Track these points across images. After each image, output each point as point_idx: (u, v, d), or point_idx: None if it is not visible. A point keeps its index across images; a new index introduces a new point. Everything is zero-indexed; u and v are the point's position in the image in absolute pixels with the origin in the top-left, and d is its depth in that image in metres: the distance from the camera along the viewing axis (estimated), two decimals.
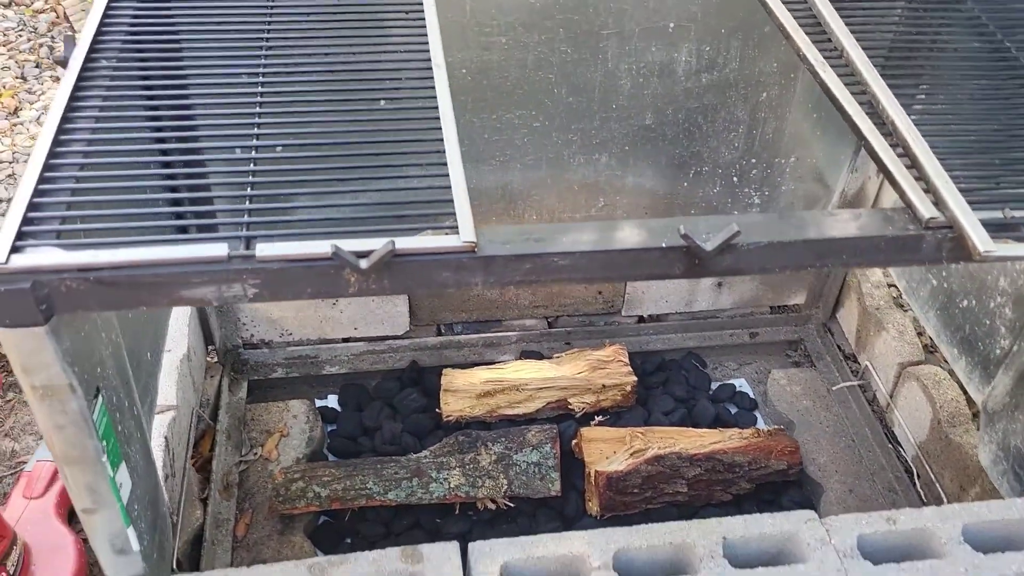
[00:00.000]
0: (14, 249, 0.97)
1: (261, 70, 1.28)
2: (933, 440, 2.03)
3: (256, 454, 2.13)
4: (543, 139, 2.06)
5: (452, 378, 2.21)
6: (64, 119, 1.14)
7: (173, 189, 1.16)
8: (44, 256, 0.98)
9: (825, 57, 1.36)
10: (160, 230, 1.05)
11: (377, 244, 1.00)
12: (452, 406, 2.18)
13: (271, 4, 1.40)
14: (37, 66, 3.48)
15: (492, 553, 1.38)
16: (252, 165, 1.12)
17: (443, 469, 2.02)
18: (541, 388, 2.20)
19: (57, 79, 3.41)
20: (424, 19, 1.39)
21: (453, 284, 1.06)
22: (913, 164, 1.16)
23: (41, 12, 3.76)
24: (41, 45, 3.58)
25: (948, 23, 1.46)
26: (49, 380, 1.04)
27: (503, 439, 2.08)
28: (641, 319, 2.49)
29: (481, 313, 2.42)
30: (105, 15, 1.35)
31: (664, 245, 1.06)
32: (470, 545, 1.39)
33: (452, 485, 2.00)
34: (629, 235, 1.07)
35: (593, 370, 2.24)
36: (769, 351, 2.49)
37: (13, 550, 1.80)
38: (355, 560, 1.36)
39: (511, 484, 2.02)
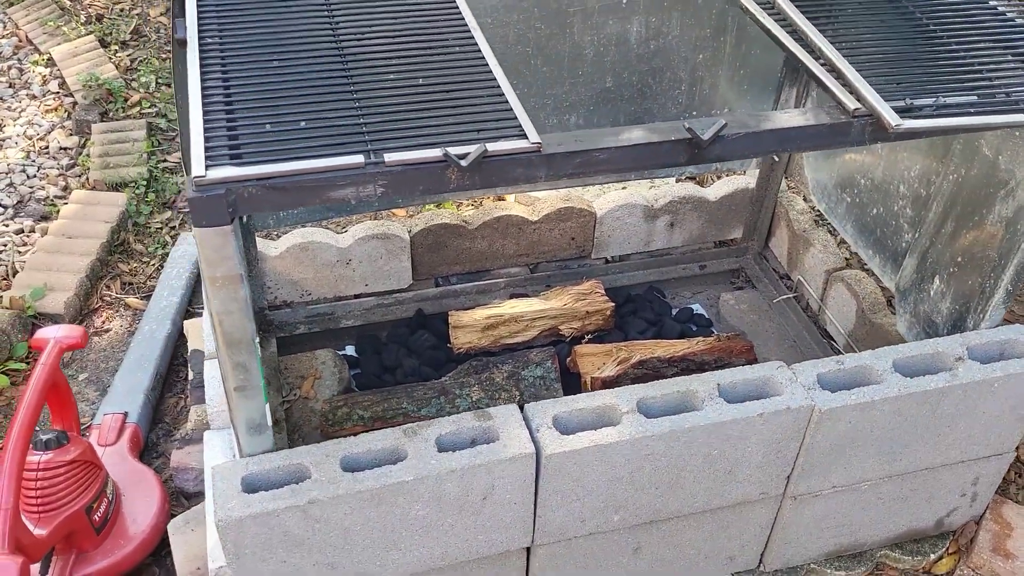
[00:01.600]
0: (207, 167, 1.30)
1: (335, 37, 1.62)
2: (859, 327, 2.49)
3: (296, 394, 2.44)
4: (523, 103, 2.44)
5: (459, 317, 2.56)
6: (203, 78, 1.47)
7: (298, 118, 1.49)
8: (229, 170, 1.31)
9: (763, 7, 1.78)
10: (299, 149, 1.38)
11: (471, 149, 1.37)
12: (461, 339, 2.53)
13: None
14: (11, 86, 3.68)
15: (544, 409, 1.76)
16: (357, 102, 1.47)
17: (465, 387, 2.37)
18: (535, 319, 2.58)
19: (33, 96, 3.62)
20: None
21: (524, 179, 1.43)
22: (838, 75, 1.59)
23: (3, 37, 3.95)
24: (9, 68, 3.78)
25: None
26: (228, 271, 1.37)
27: (511, 360, 2.44)
28: (607, 260, 2.90)
29: (473, 265, 2.78)
30: (199, 2, 1.68)
31: (674, 138, 1.45)
32: (526, 406, 1.76)
33: (474, 399, 2.36)
34: (647, 134, 1.47)
35: (576, 301, 2.63)
36: (716, 279, 2.93)
37: (108, 484, 2.07)
38: (439, 423, 1.71)
39: (522, 395, 2.39)
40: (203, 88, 1.45)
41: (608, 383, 2.39)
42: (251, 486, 1.60)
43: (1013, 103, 1.54)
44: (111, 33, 3.99)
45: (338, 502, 1.58)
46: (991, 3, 1.84)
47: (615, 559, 1.95)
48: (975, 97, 1.56)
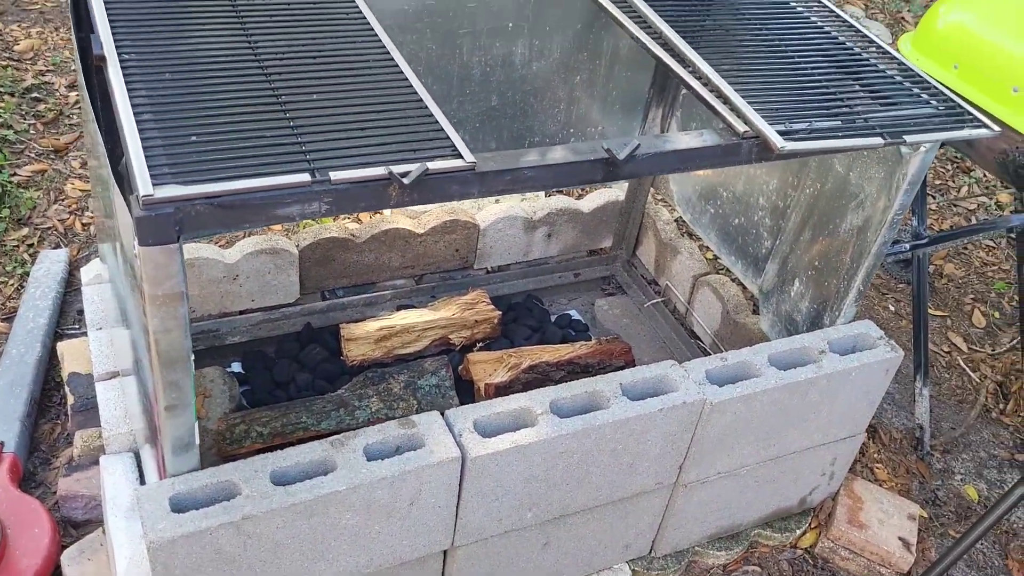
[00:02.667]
0: (154, 185, 1.30)
1: (256, 58, 1.64)
2: (725, 327, 2.72)
3: None
4: None
5: (351, 329, 2.59)
6: (131, 96, 1.46)
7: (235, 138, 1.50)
8: (177, 189, 1.31)
9: (652, 38, 1.95)
10: (242, 167, 1.40)
11: (409, 168, 1.44)
12: (355, 352, 2.56)
13: (236, 7, 1.76)
14: None
15: (464, 415, 1.84)
16: (291, 122, 1.50)
17: (363, 399, 2.40)
18: (426, 329, 2.64)
19: None
20: (366, 18, 1.82)
21: (458, 196, 1.51)
22: (726, 101, 1.78)
23: None
24: None
25: (721, 14, 2.11)
26: (171, 289, 1.37)
27: (406, 371, 2.50)
28: (488, 270, 3.00)
29: (360, 278, 2.81)
30: (110, 18, 1.64)
31: (593, 158, 1.58)
32: (447, 412, 1.84)
33: (373, 410, 2.39)
34: (571, 154, 1.58)
35: (464, 310, 2.72)
36: (589, 287, 3.10)
37: None
38: (365, 433, 1.76)
39: (419, 404, 2.45)
40: (133, 106, 1.44)
41: (501, 388, 2.49)
42: (179, 506, 1.58)
43: (871, 127, 1.77)
44: None
45: (272, 516, 1.59)
46: (832, 33, 2.09)
47: (526, 555, 2.05)
48: (839, 122, 1.78)
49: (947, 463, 2.78)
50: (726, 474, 2.18)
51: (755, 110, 1.74)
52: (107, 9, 1.66)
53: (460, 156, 1.49)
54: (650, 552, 2.31)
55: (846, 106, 1.84)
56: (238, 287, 2.60)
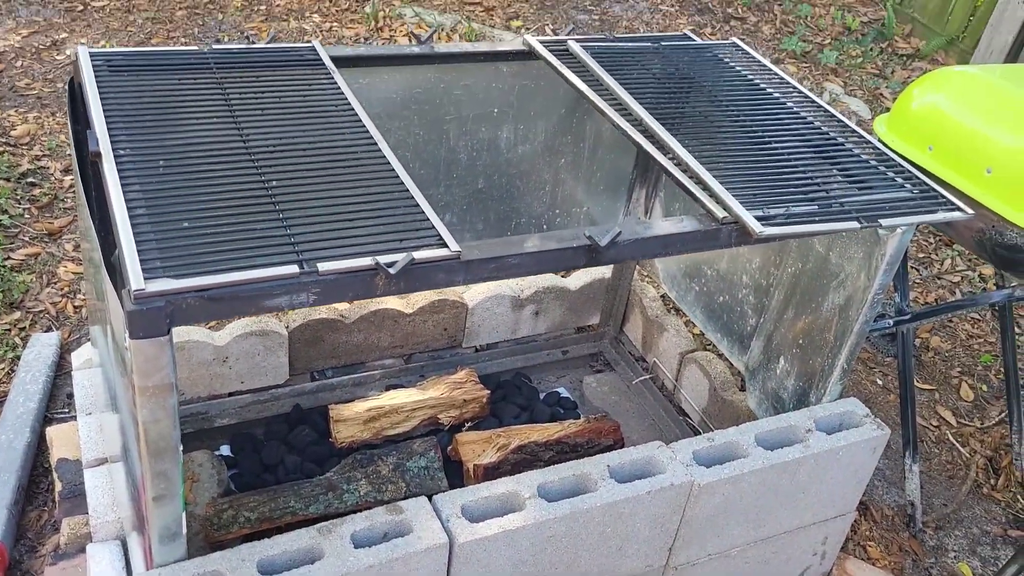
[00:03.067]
0: (146, 280, 1.33)
1: (247, 151, 1.69)
2: (712, 404, 2.73)
3: None
4: None
5: (340, 411, 2.59)
6: (125, 191, 1.50)
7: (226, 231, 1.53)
8: (168, 282, 1.34)
9: (632, 125, 2.01)
10: (232, 260, 1.43)
11: (395, 258, 1.47)
12: (344, 433, 2.56)
13: (228, 99, 1.82)
14: None
15: (452, 499, 1.84)
16: (280, 214, 1.54)
17: (352, 482, 2.39)
18: (415, 409, 2.65)
19: None
20: (354, 109, 1.88)
21: (445, 284, 1.55)
22: (705, 187, 1.83)
23: None
24: None
25: (698, 99, 2.18)
26: (160, 380, 1.38)
27: (395, 452, 2.50)
28: (477, 349, 3.02)
29: (348, 358, 2.83)
30: (105, 114, 1.69)
31: (576, 245, 1.62)
32: (435, 497, 1.84)
33: (362, 493, 2.38)
34: (554, 242, 1.62)
35: (452, 390, 2.73)
36: (578, 363, 3.12)
37: None
38: (352, 520, 1.75)
39: (408, 486, 2.44)
40: (127, 200, 1.48)
41: (490, 469, 2.49)
42: None
43: (847, 211, 1.82)
44: None
45: None
46: (808, 118, 2.16)
47: None
48: (816, 206, 1.83)
49: (940, 540, 2.77)
50: (717, 555, 2.17)
51: (733, 196, 1.79)
52: (103, 103, 1.71)
53: (446, 245, 1.53)
54: None
55: (823, 190, 1.90)
56: (228, 369, 2.61)
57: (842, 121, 2.18)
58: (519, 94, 2.53)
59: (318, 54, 2.07)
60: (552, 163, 2.71)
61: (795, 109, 2.20)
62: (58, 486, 2.30)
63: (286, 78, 1.96)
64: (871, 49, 5.98)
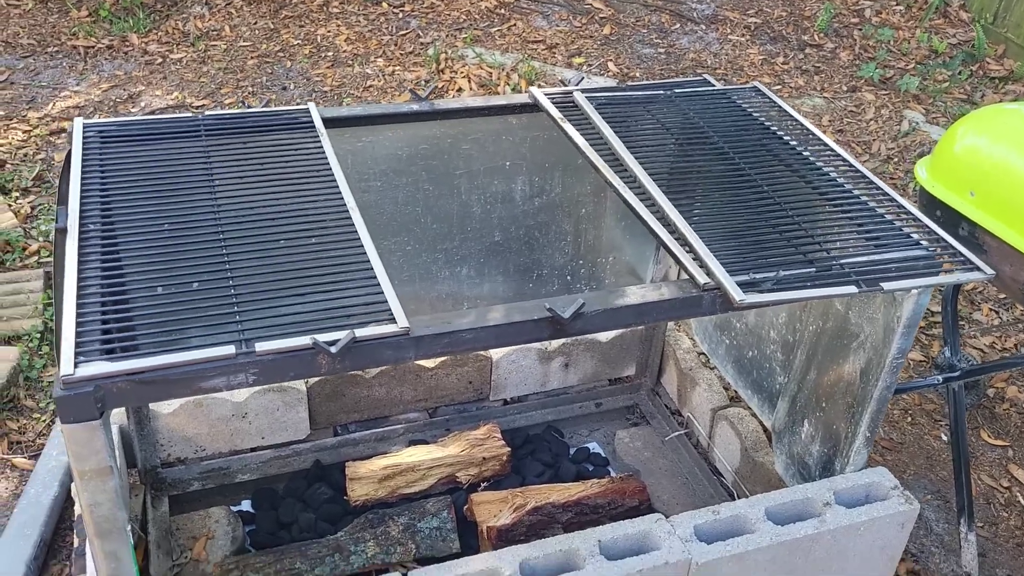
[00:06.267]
0: (76, 364, 1.33)
1: (217, 221, 1.69)
2: (744, 465, 2.58)
3: (187, 557, 2.39)
4: (414, 259, 2.54)
5: (356, 468, 2.57)
6: (80, 268, 1.51)
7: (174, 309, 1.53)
8: (99, 366, 1.34)
9: (625, 182, 1.92)
10: (171, 340, 1.43)
11: (341, 335, 1.43)
12: (358, 492, 2.53)
13: (210, 166, 1.83)
14: None
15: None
16: (233, 289, 1.52)
17: (360, 543, 2.36)
18: (432, 467, 2.60)
19: None
20: (332, 174, 1.86)
21: (394, 360, 1.50)
22: (690, 250, 1.72)
23: None
24: None
25: (702, 152, 2.07)
26: (97, 464, 1.38)
27: (407, 512, 2.45)
28: (505, 402, 2.96)
29: (371, 412, 2.81)
30: (83, 187, 1.73)
31: (536, 318, 1.54)
32: (410, 572, 1.78)
33: (369, 555, 2.34)
34: (511, 313, 1.55)
35: (473, 447, 2.67)
36: (612, 416, 3.01)
37: None
38: None
39: (418, 548, 2.39)
40: (79, 279, 1.49)
41: (504, 531, 2.41)
42: None
43: (845, 274, 1.68)
44: (12, 180, 4.00)
45: None
46: (823, 169, 2.02)
47: None
48: (813, 269, 1.70)
49: None
50: None
51: (719, 259, 1.68)
52: (82, 177, 1.75)
53: (394, 321, 1.48)
54: None
55: (823, 251, 1.76)
56: (247, 424, 2.63)
57: (861, 172, 2.03)
58: (531, 146, 2.47)
59: (310, 116, 2.07)
60: (572, 213, 2.64)
61: (811, 160, 2.07)
62: (75, 542, 2.35)
63: (273, 143, 1.97)
64: (959, 72, 5.66)
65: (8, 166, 4.12)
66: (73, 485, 1.55)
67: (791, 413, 2.31)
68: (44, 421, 2.89)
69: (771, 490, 2.31)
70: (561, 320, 1.54)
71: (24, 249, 3.54)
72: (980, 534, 2.75)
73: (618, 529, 1.91)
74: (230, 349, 1.39)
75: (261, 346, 1.40)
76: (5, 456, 2.75)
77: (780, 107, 2.28)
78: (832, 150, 2.10)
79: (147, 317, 1.46)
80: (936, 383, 2.49)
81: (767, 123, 2.21)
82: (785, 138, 2.14)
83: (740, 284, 1.62)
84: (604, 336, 2.94)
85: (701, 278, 1.65)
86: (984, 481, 2.96)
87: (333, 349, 1.41)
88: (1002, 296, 3.84)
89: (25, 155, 4.22)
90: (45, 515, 2.48)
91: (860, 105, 5.32)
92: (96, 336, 1.39)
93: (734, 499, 2.59)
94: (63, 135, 4.50)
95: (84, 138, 1.89)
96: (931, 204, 2.40)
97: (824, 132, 5.02)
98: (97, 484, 1.40)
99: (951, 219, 2.32)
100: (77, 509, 2.47)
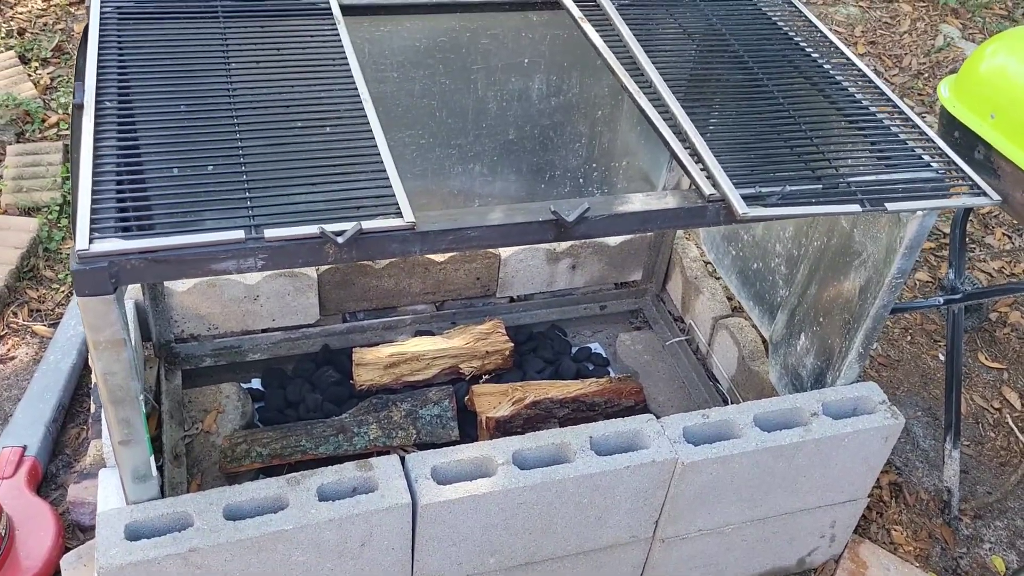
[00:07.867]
0: (91, 240, 1.38)
1: (231, 105, 1.71)
2: (740, 373, 2.65)
3: (198, 429, 2.50)
4: (427, 153, 2.55)
5: (362, 354, 2.65)
6: (96, 146, 1.54)
7: (187, 191, 1.57)
8: (113, 243, 1.38)
9: (640, 87, 1.91)
10: (184, 222, 1.47)
11: (348, 226, 1.47)
12: (364, 377, 2.62)
13: (227, 49, 1.83)
14: None
15: (424, 460, 1.86)
16: (245, 175, 1.55)
17: (363, 425, 2.46)
18: (436, 357, 2.68)
19: None
20: (348, 64, 1.86)
21: (399, 253, 1.54)
22: (699, 160, 1.73)
23: None
24: None
25: (721, 60, 2.05)
26: (112, 336, 1.44)
27: (409, 399, 2.54)
28: (512, 299, 3.01)
29: (380, 301, 2.87)
30: (100, 63, 1.74)
31: (541, 220, 1.57)
32: (407, 457, 1.86)
33: (371, 437, 2.44)
34: (516, 214, 1.58)
35: (477, 340, 2.74)
36: (615, 319, 3.06)
37: (3, 518, 2.10)
38: (322, 473, 1.80)
39: (419, 433, 2.49)
40: (95, 155, 1.52)
41: (502, 423, 2.50)
42: (135, 533, 1.67)
43: (851, 193, 1.69)
44: (32, 49, 3.98)
45: (219, 550, 1.66)
46: (843, 84, 2.00)
47: None
48: (820, 185, 1.71)
49: (977, 530, 2.63)
50: (709, 531, 2.12)
51: (727, 171, 1.69)
52: (99, 54, 1.76)
53: (400, 215, 1.51)
54: None
55: (832, 168, 1.77)
56: (259, 307, 2.70)
57: (880, 88, 2.00)
58: (551, 44, 2.44)
59: (328, 3, 2.05)
60: (588, 115, 2.63)
61: (832, 74, 2.04)
62: (92, 408, 2.46)
63: (290, 29, 1.95)
64: None
65: (28, 34, 4.09)
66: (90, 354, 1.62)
67: (789, 325, 2.35)
68: (63, 292, 2.97)
69: (763, 398, 2.38)
70: (565, 223, 1.56)
71: (44, 120, 3.56)
72: (965, 452, 2.83)
73: (610, 426, 1.98)
74: (240, 234, 1.43)
75: (270, 232, 1.44)
76: (26, 323, 2.84)
77: (805, 17, 2.23)
78: (855, 65, 2.07)
79: (161, 197, 1.49)
80: (937, 304, 2.52)
81: (791, 34, 2.17)
82: (808, 50, 2.11)
83: (745, 197, 1.64)
84: (612, 240, 2.97)
85: (707, 189, 1.66)
86: (976, 401, 3.02)
87: (340, 239, 1.45)
88: (1015, 221, 3.82)
89: (45, 24, 4.18)
90: (64, 381, 2.59)
91: (895, 16, 5.17)
92: (111, 213, 1.43)
93: (727, 405, 2.66)
94: (82, 5, 4.44)
95: (102, 13, 1.88)
96: (950, 125, 2.37)
97: (855, 43, 4.90)
98: (111, 354, 1.47)
99: (968, 141, 2.30)
100: (94, 377, 2.57)
